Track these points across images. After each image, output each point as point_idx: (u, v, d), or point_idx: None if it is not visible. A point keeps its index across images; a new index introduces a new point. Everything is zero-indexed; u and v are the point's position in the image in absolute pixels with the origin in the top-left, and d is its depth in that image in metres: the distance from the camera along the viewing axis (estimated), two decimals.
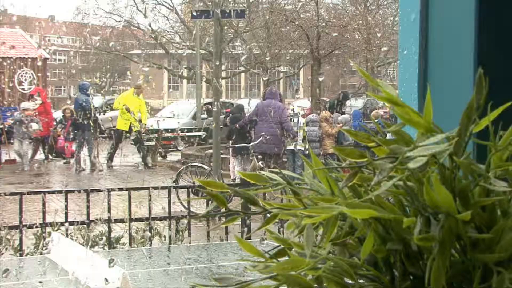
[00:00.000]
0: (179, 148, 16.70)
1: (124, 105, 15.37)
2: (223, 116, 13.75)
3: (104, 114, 23.53)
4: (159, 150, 16.88)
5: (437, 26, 1.37)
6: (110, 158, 15.79)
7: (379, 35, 29.05)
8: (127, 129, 15.43)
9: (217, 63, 9.31)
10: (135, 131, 15.66)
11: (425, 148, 0.88)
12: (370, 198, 0.89)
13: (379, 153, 0.98)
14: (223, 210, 1.03)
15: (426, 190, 0.83)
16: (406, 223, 0.84)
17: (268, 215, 0.99)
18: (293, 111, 12.34)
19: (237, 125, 11.57)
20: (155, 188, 5.20)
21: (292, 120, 12.12)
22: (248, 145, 10.77)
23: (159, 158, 16.98)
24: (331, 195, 0.94)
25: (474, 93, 0.86)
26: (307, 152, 11.78)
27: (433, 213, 0.84)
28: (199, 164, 10.60)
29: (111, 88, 60.22)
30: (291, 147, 11.85)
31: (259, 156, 10.82)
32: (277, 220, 1.02)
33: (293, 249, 0.95)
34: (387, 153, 0.92)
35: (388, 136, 1.00)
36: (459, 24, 1.32)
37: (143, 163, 15.61)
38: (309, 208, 0.88)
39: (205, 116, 21.32)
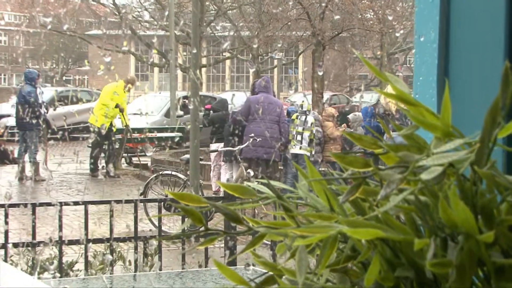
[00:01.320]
0: (147, 154, 16.68)
1: (117, 104, 15.41)
2: (203, 113, 13.71)
3: (55, 110, 23.46)
4: (124, 155, 16.86)
5: (461, 8, 1.40)
6: (110, 164, 15.81)
7: (396, 14, 29.16)
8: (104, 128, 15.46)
9: (195, 49, 9.27)
10: (115, 131, 15.73)
11: (441, 156, 0.91)
12: (376, 215, 0.92)
13: (387, 161, 1.01)
14: (201, 228, 1.05)
15: (442, 206, 0.86)
16: (418, 245, 0.86)
17: (255, 235, 1.01)
18: (301, 108, 12.06)
19: (227, 125, 11.53)
20: (118, 201, 5.21)
21: (299, 118, 11.90)
22: (233, 149, 10.73)
23: (124, 165, 16.97)
24: (329, 211, 0.96)
25: (500, 90, 0.89)
26: (312, 158, 11.73)
27: (451, 234, 0.86)
28: (173, 173, 10.57)
29: (64, 78, 60.10)
30: (296, 151, 11.71)
31: (245, 164, 10.70)
32: (269, 242, 1.05)
33: (283, 277, 0.98)
34: (397, 161, 0.95)
35: (399, 140, 1.03)
36: (487, 6, 1.34)
37: (105, 171, 15.60)
38: (303, 227, 0.90)
39: (180, 113, 21.30)
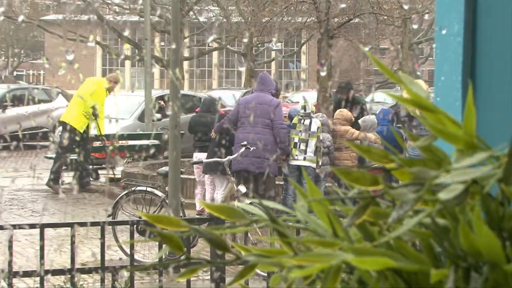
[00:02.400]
0: (117, 167, 16.65)
1: (93, 106, 15.31)
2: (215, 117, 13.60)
3: (4, 112, 23.41)
4: (88, 167, 16.84)
5: None
6: (86, 174, 15.73)
7: None
8: (81, 131, 15.35)
9: (175, 43, 9.26)
10: (90, 137, 15.61)
11: (463, 172, 0.93)
12: (386, 242, 0.94)
13: (401, 177, 1.03)
14: (181, 257, 1.07)
15: (463, 231, 0.88)
16: (436, 276, 0.88)
17: (245, 265, 1.03)
18: (304, 109, 11.86)
19: (213, 132, 11.42)
20: (81, 224, 5.22)
21: (302, 123, 11.71)
22: (221, 160, 10.68)
23: (89, 179, 16.96)
24: (332, 237, 0.99)
25: None
26: (318, 171, 11.57)
27: (474, 263, 0.88)
28: (148, 189, 10.54)
29: (16, 73, 60.01)
30: (298, 162, 11.52)
31: (233, 179, 10.59)
32: (264, 273, 1.07)
33: None
34: (412, 178, 0.97)
35: (419, 152, 1.05)
36: None
37: (78, 185, 15.54)
38: (301, 255, 0.93)
39: (157, 116, 21.27)
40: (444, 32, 1.47)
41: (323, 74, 24.41)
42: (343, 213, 1.05)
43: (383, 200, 1.04)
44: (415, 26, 30.42)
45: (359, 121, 12.87)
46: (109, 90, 15.96)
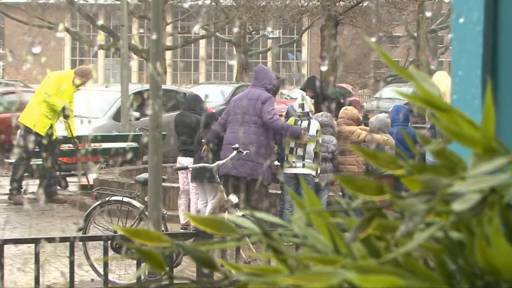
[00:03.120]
0: (89, 173, 16.59)
1: (64, 106, 15.16)
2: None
3: None
4: (55, 174, 16.81)
5: None
6: (52, 182, 15.61)
7: None
8: (43, 134, 15.18)
9: (156, 33, 9.23)
10: (55, 139, 15.46)
11: (480, 179, 0.94)
12: (394, 258, 0.95)
13: (411, 186, 1.06)
14: (163, 277, 1.09)
15: (480, 245, 0.90)
16: None
17: (235, 285, 1.04)
18: (302, 108, 11.75)
19: (198, 134, 11.33)
20: (48, 240, 5.23)
21: (300, 123, 11.59)
22: (209, 165, 10.65)
23: (57, 188, 16.94)
24: (333, 253, 1.00)
25: None
26: (317, 180, 11.46)
27: (492, 282, 0.90)
28: (125, 199, 10.52)
29: None
30: (296, 170, 11.41)
31: (222, 187, 10.50)
32: None
33: None
34: (422, 186, 0.99)
35: (428, 157, 1.08)
36: None
37: (44, 194, 15.47)
38: (298, 274, 0.94)
39: (135, 115, 21.22)
40: (461, 20, 1.48)
41: (324, 69, 24.34)
42: (345, 226, 1.07)
43: (391, 212, 1.05)
44: (428, 14, 30.36)
45: (371, 120, 12.74)
46: (79, 85, 15.64)
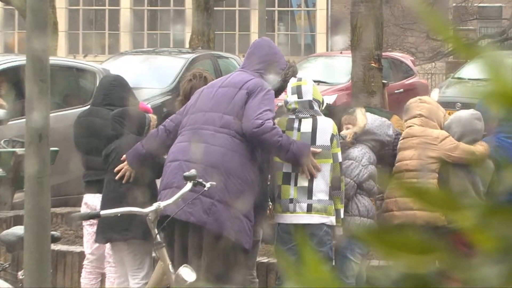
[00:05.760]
0: None
1: None
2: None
3: None
4: None
5: None
6: None
7: None
8: None
9: None
10: None
11: None
12: None
13: (480, 241, 0.79)
14: None
15: None
16: None
17: None
18: (299, 94, 6.01)
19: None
20: None
21: (297, 127, 6.30)
22: (141, 210, 6.03)
23: None
24: None
25: None
26: (340, 231, 6.63)
27: None
28: None
29: None
30: (291, 217, 6.56)
31: (165, 251, 5.96)
32: None
33: None
34: (498, 244, 0.75)
35: None
36: None
37: None
38: None
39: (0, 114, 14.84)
40: None
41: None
42: None
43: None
44: None
45: (448, 122, 8.76)
46: None
